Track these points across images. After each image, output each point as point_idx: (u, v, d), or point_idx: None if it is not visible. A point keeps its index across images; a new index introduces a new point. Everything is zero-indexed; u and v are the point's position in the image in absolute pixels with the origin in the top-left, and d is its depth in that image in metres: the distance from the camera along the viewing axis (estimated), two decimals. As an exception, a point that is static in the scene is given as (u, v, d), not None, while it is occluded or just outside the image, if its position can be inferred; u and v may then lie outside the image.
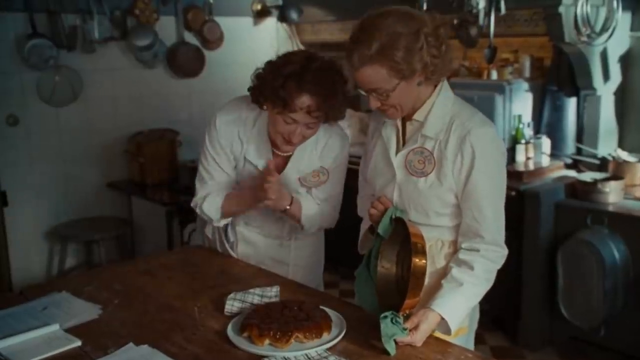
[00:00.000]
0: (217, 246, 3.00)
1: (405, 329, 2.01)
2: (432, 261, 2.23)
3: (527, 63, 4.89)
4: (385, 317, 2.01)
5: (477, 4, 4.64)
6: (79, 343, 2.14)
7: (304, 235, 2.91)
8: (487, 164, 2.15)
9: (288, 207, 2.69)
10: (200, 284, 2.53)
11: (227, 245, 2.96)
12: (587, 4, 4.23)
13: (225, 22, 6.07)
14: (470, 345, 2.38)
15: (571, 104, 4.74)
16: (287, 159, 2.69)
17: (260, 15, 6.37)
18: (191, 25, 5.88)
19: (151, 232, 5.40)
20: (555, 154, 4.75)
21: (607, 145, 4.66)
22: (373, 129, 2.44)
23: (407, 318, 2.06)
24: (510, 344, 4.52)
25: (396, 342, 2.01)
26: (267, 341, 2.07)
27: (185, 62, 5.88)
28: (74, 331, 2.22)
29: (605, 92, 4.61)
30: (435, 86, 2.22)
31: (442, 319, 2.08)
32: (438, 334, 2.15)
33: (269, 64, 2.50)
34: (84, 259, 5.49)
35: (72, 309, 2.42)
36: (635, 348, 4.04)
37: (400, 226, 2.21)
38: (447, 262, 2.24)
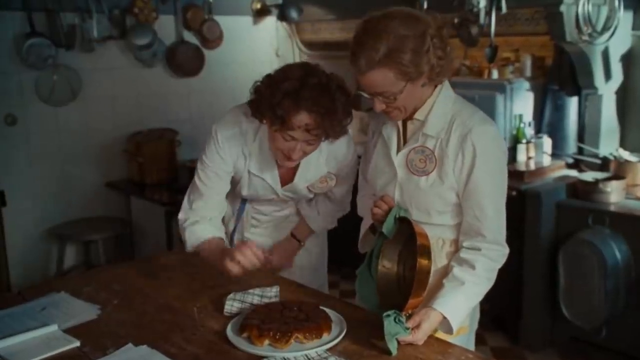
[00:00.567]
0: None
1: (407, 328, 2.01)
2: (433, 260, 2.21)
3: (528, 62, 4.88)
4: (388, 315, 2.01)
5: (478, 2, 4.62)
6: (77, 343, 2.14)
7: (310, 238, 2.95)
8: (488, 162, 2.15)
9: (302, 244, 2.90)
10: (200, 284, 2.52)
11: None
12: (588, 3, 4.21)
13: (225, 21, 6.07)
14: (471, 345, 2.39)
15: (572, 103, 4.75)
16: (294, 170, 2.65)
17: (260, 14, 6.36)
18: (190, 24, 5.88)
19: (150, 232, 5.38)
20: (556, 153, 4.74)
21: (609, 145, 4.64)
22: (373, 128, 2.44)
23: (408, 317, 2.06)
24: (510, 344, 4.51)
25: (398, 342, 2.01)
26: (266, 342, 2.06)
27: (185, 61, 5.87)
28: (72, 332, 2.22)
29: (607, 91, 4.58)
30: (436, 85, 2.22)
31: (444, 318, 2.08)
32: (439, 334, 2.16)
33: (267, 78, 2.40)
34: (82, 259, 5.48)
35: (71, 310, 2.41)
36: (637, 349, 4.03)
37: (403, 225, 2.21)
38: (448, 260, 2.25)
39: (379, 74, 2.03)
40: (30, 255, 5.31)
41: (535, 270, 4.31)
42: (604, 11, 4.31)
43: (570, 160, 4.74)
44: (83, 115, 5.43)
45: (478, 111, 2.24)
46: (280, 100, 2.27)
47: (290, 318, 2.16)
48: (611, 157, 4.47)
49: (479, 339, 4.35)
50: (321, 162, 2.64)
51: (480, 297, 2.21)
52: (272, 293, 2.46)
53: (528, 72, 4.89)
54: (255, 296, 2.41)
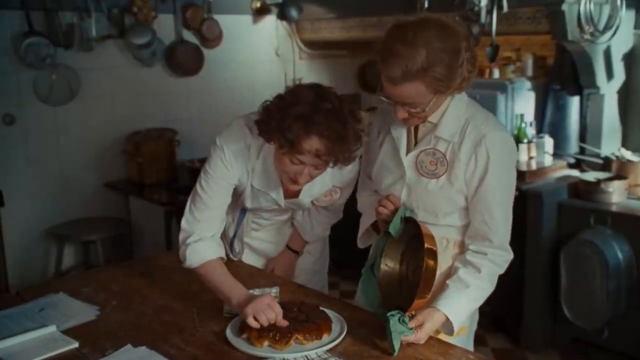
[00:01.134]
0: None
1: (411, 329, 2.03)
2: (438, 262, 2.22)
3: (529, 61, 4.91)
4: (393, 315, 2.01)
5: (479, 1, 4.60)
6: (76, 344, 2.14)
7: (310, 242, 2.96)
8: (500, 169, 2.15)
9: (300, 253, 2.93)
10: (199, 285, 2.50)
11: (232, 255, 2.95)
12: (590, 2, 4.19)
13: (224, 20, 6.03)
14: (470, 345, 2.40)
15: (574, 102, 4.75)
16: None
17: (260, 13, 6.32)
18: (190, 24, 5.84)
19: (149, 232, 5.36)
20: (558, 153, 4.74)
21: (611, 145, 4.63)
22: (379, 126, 2.43)
23: (411, 318, 2.07)
24: (512, 345, 4.50)
25: (400, 342, 2.01)
26: (266, 342, 2.07)
27: (184, 60, 5.84)
28: (71, 332, 2.23)
29: (609, 90, 4.58)
30: None
31: (447, 319, 2.10)
32: (439, 335, 2.18)
33: (278, 100, 2.30)
34: (81, 260, 5.46)
35: (70, 310, 2.42)
36: (639, 349, 4.02)
37: (408, 225, 2.21)
38: (452, 262, 2.26)
39: (412, 87, 2.00)
40: (29, 256, 5.29)
41: (537, 271, 4.30)
42: (606, 10, 4.29)
43: (572, 160, 4.74)
44: (82, 115, 5.40)
45: (491, 116, 2.26)
46: (290, 124, 2.19)
47: (290, 319, 2.16)
48: (613, 157, 4.46)
49: (480, 340, 4.40)
50: (326, 177, 2.59)
51: (482, 301, 2.22)
52: (271, 294, 2.44)
53: (529, 72, 4.91)
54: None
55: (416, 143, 2.27)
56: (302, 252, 2.95)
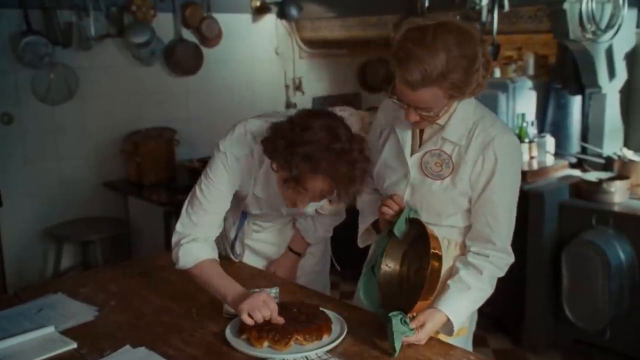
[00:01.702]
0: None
1: (412, 329, 2.03)
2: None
3: (530, 60, 4.90)
4: (395, 315, 2.01)
5: (480, 0, 4.61)
6: (74, 345, 2.14)
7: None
8: (507, 172, 2.15)
9: (302, 255, 2.91)
10: (198, 285, 2.48)
11: (232, 257, 2.94)
12: (592, 1, 4.17)
13: (224, 19, 6.01)
14: (469, 346, 2.41)
15: (576, 102, 4.74)
16: None
17: (259, 11, 6.32)
18: (189, 22, 5.83)
19: (148, 232, 5.34)
20: (559, 153, 4.73)
21: (613, 144, 4.62)
22: (381, 125, 2.41)
23: (412, 319, 2.07)
24: (513, 346, 4.50)
25: (401, 343, 2.02)
26: (266, 343, 2.07)
27: (183, 59, 5.82)
28: (69, 333, 2.23)
29: (611, 90, 4.56)
30: None
31: (448, 319, 2.11)
32: (439, 334, 2.19)
33: (289, 129, 2.19)
34: (79, 260, 5.44)
35: (68, 311, 2.41)
36: (642, 350, 4.02)
37: (411, 227, 2.21)
38: (453, 262, 2.25)
39: (430, 92, 1.99)
40: (27, 256, 5.27)
41: (538, 271, 4.29)
42: (608, 9, 4.27)
43: (574, 160, 4.73)
44: (80, 115, 5.38)
45: (498, 119, 2.26)
46: (297, 162, 2.13)
47: (290, 319, 2.16)
48: (615, 157, 4.45)
49: (481, 341, 4.39)
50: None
51: (482, 303, 2.23)
52: (271, 294, 2.44)
53: (531, 71, 4.90)
54: None
55: (421, 143, 2.26)
56: (304, 253, 2.93)
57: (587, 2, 4.17)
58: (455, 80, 1.97)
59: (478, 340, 2.47)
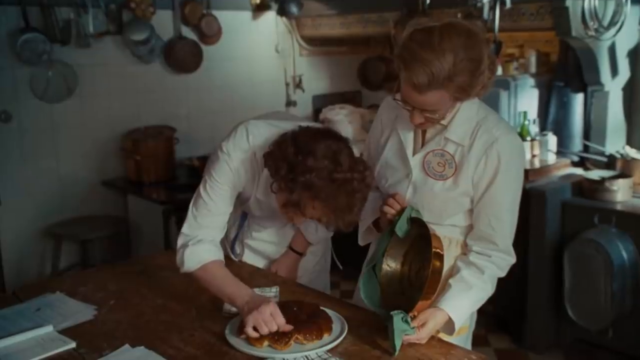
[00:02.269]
0: None
1: (413, 327, 2.03)
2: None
3: (532, 58, 4.91)
4: (396, 314, 2.02)
5: (482, -3, 4.59)
6: (73, 345, 2.14)
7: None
8: (510, 173, 2.16)
9: (303, 255, 2.89)
10: (198, 284, 2.47)
11: (232, 256, 2.93)
12: (594, -2, 4.17)
13: (224, 16, 5.99)
14: (468, 345, 2.42)
15: (578, 100, 4.73)
16: None
17: (259, 9, 6.30)
18: (188, 20, 5.81)
19: (148, 231, 5.33)
20: (561, 151, 4.72)
21: (615, 143, 4.61)
22: (383, 122, 2.41)
23: (413, 318, 2.07)
24: (515, 346, 4.49)
25: (401, 341, 2.02)
26: (266, 343, 2.07)
27: (183, 57, 5.80)
28: (68, 332, 2.23)
29: (614, 87, 4.56)
30: None
31: (449, 319, 2.12)
32: (439, 333, 2.19)
33: (294, 153, 2.15)
34: (78, 259, 5.40)
35: (67, 310, 2.41)
36: (644, 350, 4.01)
37: (413, 226, 2.21)
38: (454, 262, 2.25)
39: (436, 95, 1.99)
40: (25, 255, 5.25)
41: (540, 271, 4.29)
42: (611, 6, 4.27)
43: (576, 158, 4.72)
44: (79, 112, 5.35)
45: (502, 119, 2.27)
46: (298, 190, 2.13)
47: (290, 319, 2.15)
48: (618, 155, 4.45)
49: (483, 341, 4.39)
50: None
51: (482, 303, 2.24)
52: (271, 293, 2.48)
53: (533, 68, 4.91)
54: None
55: (423, 143, 2.26)
56: (305, 253, 2.92)
57: (590, -1, 4.17)
58: (462, 82, 1.97)
59: (479, 340, 2.47)
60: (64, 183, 5.36)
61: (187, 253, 2.37)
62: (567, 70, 4.63)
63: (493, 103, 4.43)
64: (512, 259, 2.23)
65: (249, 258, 2.93)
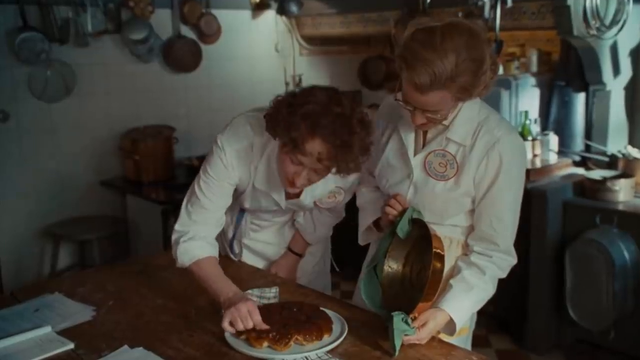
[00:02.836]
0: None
1: (413, 328, 2.03)
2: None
3: (534, 57, 4.89)
4: (397, 314, 2.02)
5: (483, -4, 4.59)
6: (72, 346, 2.13)
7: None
8: (512, 173, 2.16)
9: (302, 256, 2.89)
10: (197, 284, 2.47)
11: (231, 255, 2.92)
12: (596, -4, 4.16)
13: (223, 15, 6.01)
14: (469, 345, 2.43)
15: (580, 99, 4.71)
16: None
17: (259, 8, 6.32)
18: (187, 19, 5.82)
19: (147, 231, 5.33)
20: (563, 151, 4.70)
21: (617, 142, 4.59)
22: (384, 122, 2.40)
23: (414, 319, 2.06)
24: (516, 347, 4.48)
25: (401, 341, 2.02)
26: (265, 343, 2.06)
27: (182, 56, 5.81)
28: (66, 333, 2.22)
29: (615, 87, 4.54)
30: None
31: (450, 319, 2.11)
32: (439, 334, 2.19)
33: (290, 96, 2.24)
34: (77, 259, 5.41)
35: (65, 311, 2.40)
36: (647, 351, 4.00)
37: (414, 227, 2.21)
38: (455, 262, 2.25)
39: (438, 95, 1.98)
40: (23, 255, 5.25)
41: (541, 271, 4.27)
42: (613, 4, 4.25)
43: (578, 158, 4.70)
44: (77, 112, 5.35)
45: (504, 119, 2.26)
46: (297, 122, 2.13)
47: (290, 319, 2.16)
48: (619, 155, 4.43)
49: (484, 342, 4.39)
50: (330, 178, 2.50)
51: (483, 304, 2.23)
52: (271, 294, 2.47)
53: (534, 68, 4.89)
54: (254, 297, 2.40)
55: (424, 143, 2.25)
56: (304, 254, 2.91)
57: (592, -2, 4.16)
58: (464, 83, 1.96)
59: (480, 340, 2.47)
60: (62, 183, 5.36)
61: (180, 250, 2.39)
62: (569, 70, 4.61)
63: (494, 102, 4.41)
64: (514, 260, 2.22)
65: (248, 259, 2.91)
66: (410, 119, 2.13)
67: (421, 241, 2.21)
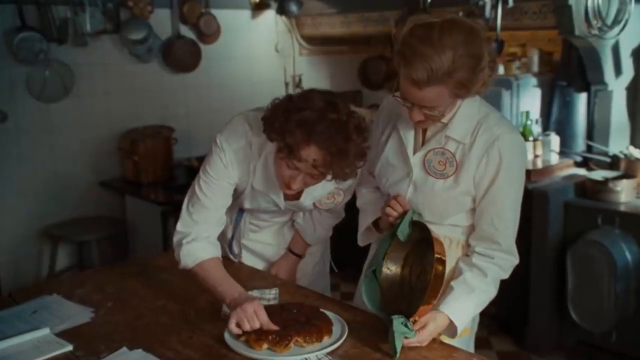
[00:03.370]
0: None
1: (413, 330, 2.03)
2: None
3: (535, 57, 4.89)
4: (397, 317, 2.02)
5: (484, -4, 4.60)
6: (70, 347, 2.13)
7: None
8: (512, 171, 2.15)
9: (302, 257, 2.88)
10: (197, 286, 2.48)
11: (231, 256, 2.91)
12: (598, -4, 4.15)
13: (223, 15, 6.00)
14: (471, 347, 2.42)
15: (581, 99, 4.70)
16: None
17: (259, 7, 6.31)
18: (187, 18, 5.81)
19: (146, 232, 5.32)
20: (564, 151, 4.70)
21: (619, 143, 4.58)
22: (383, 122, 2.40)
23: (414, 322, 2.07)
24: (517, 348, 4.47)
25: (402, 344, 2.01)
26: (265, 345, 2.06)
27: (181, 56, 5.80)
28: (65, 335, 2.22)
29: (617, 87, 4.52)
30: None
31: (451, 322, 2.11)
32: (441, 336, 2.19)
33: (287, 100, 2.24)
34: (75, 261, 5.40)
35: (64, 312, 2.40)
36: (649, 353, 3.99)
37: (414, 229, 2.20)
38: (455, 263, 2.24)
39: (435, 91, 1.98)
40: (22, 257, 5.23)
41: (543, 272, 4.26)
42: (615, 4, 4.24)
43: (579, 159, 4.70)
44: (76, 112, 5.34)
45: (504, 117, 2.26)
46: (292, 128, 2.13)
47: (290, 321, 2.16)
48: (621, 155, 4.41)
49: (485, 343, 4.38)
50: (328, 179, 2.49)
51: (485, 306, 2.22)
52: (271, 295, 2.47)
53: (535, 68, 4.89)
54: None
55: (424, 141, 2.25)
56: (304, 255, 2.90)
57: (593, -3, 4.15)
58: (461, 79, 1.96)
59: (481, 342, 2.45)
60: (61, 184, 5.34)
61: (183, 252, 2.39)
62: (570, 70, 4.61)
63: (495, 102, 4.36)
64: (516, 260, 2.22)
65: (248, 259, 2.90)
66: (409, 116, 2.13)
67: (421, 243, 2.20)
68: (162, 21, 5.67)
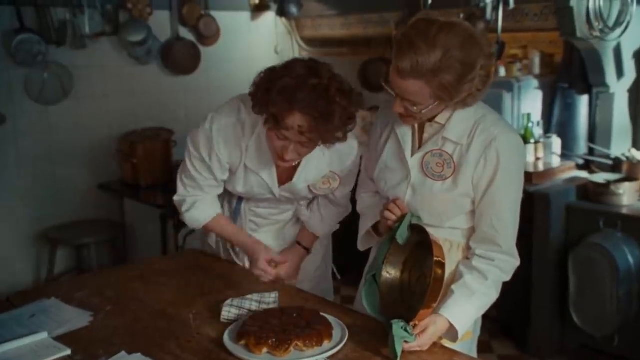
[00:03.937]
0: (220, 255, 2.95)
1: (413, 335, 2.02)
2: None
3: (536, 59, 4.86)
4: (396, 322, 2.01)
5: (485, -3, 4.59)
6: (68, 352, 2.12)
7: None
8: (510, 172, 2.14)
9: (309, 252, 2.89)
10: (196, 289, 2.49)
11: (233, 255, 2.91)
12: (599, -3, 4.15)
13: (222, 17, 6.02)
14: (474, 351, 2.41)
15: (583, 101, 4.69)
16: (294, 168, 2.57)
17: (259, 9, 6.34)
18: (186, 20, 5.84)
19: (145, 235, 5.33)
20: (566, 154, 4.68)
21: (621, 145, 4.57)
22: (382, 125, 2.39)
23: (414, 327, 2.06)
24: (519, 352, 4.45)
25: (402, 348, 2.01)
26: (265, 349, 2.04)
27: (180, 58, 5.82)
28: (63, 339, 2.20)
29: (619, 89, 4.52)
30: None
31: (451, 325, 2.09)
32: (443, 341, 2.17)
33: (268, 72, 2.30)
34: (74, 264, 5.42)
35: (62, 316, 2.39)
36: (651, 357, 3.98)
37: (413, 233, 2.20)
38: (456, 266, 2.23)
39: (416, 85, 1.98)
40: (20, 260, 5.24)
41: (544, 275, 4.25)
42: (616, 6, 4.23)
43: (581, 161, 4.68)
44: (74, 114, 5.35)
45: (502, 118, 2.25)
46: (274, 98, 2.20)
47: (290, 325, 2.14)
48: (623, 158, 4.40)
49: (486, 347, 4.38)
50: (324, 162, 2.57)
51: (486, 309, 2.21)
52: (271, 299, 2.45)
53: (536, 70, 4.87)
54: (254, 302, 2.38)
55: (421, 143, 2.24)
56: (311, 250, 2.89)
57: (595, -1, 4.15)
58: (445, 82, 1.96)
59: (483, 346, 2.44)
60: (59, 186, 5.36)
61: (187, 218, 2.69)
62: (572, 72, 4.60)
63: (496, 105, 4.40)
64: (516, 262, 2.20)
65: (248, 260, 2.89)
66: (392, 107, 2.15)
67: (419, 247, 2.20)
68: (161, 23, 5.68)
